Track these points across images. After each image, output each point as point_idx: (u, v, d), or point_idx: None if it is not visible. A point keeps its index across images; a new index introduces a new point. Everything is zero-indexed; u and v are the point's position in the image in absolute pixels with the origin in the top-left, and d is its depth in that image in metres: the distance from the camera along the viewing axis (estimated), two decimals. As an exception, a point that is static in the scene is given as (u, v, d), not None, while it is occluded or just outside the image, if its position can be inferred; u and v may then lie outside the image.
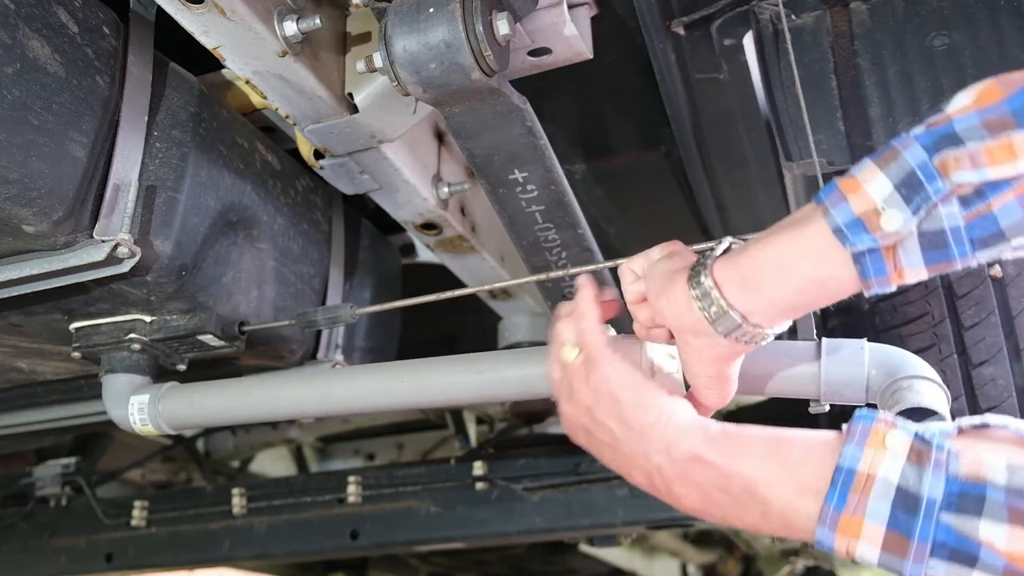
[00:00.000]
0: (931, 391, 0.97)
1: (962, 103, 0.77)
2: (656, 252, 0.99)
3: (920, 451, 0.76)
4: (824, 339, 1.06)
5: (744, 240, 0.91)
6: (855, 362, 1.03)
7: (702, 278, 0.89)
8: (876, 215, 0.78)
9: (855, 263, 0.80)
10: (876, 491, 0.76)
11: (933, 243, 0.78)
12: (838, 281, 0.83)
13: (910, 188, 0.77)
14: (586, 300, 1.01)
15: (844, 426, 0.82)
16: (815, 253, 0.82)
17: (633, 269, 1.02)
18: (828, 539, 0.79)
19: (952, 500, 0.74)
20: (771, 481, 0.83)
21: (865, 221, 0.78)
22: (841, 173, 0.84)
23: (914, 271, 0.80)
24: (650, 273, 0.98)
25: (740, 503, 0.85)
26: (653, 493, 0.92)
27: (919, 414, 0.96)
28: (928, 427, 0.79)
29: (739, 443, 0.87)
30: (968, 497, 0.73)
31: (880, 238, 0.78)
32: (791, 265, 0.84)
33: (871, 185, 0.78)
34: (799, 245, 0.84)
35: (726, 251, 0.91)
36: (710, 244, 0.94)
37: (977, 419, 0.80)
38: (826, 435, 0.83)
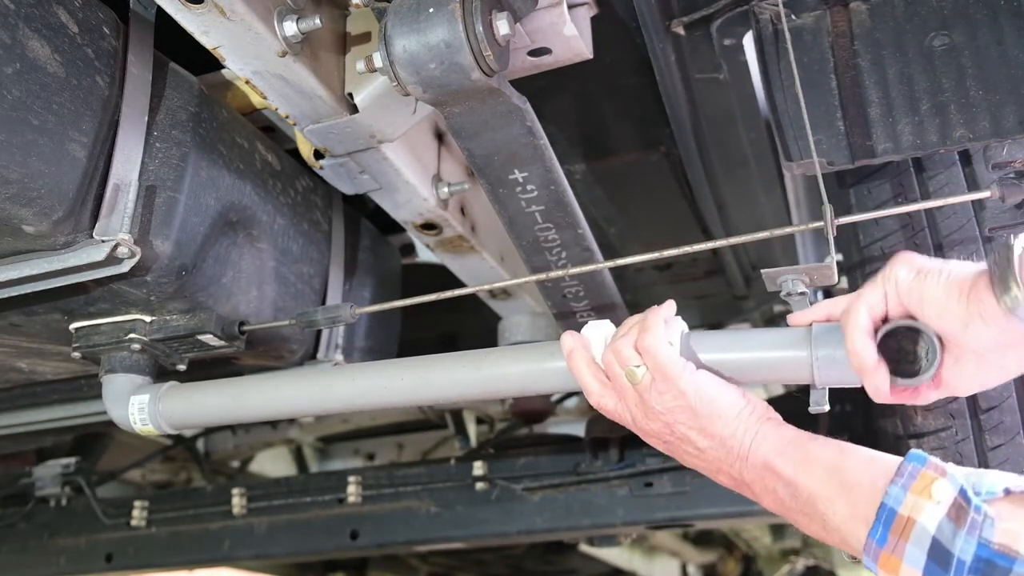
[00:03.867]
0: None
1: None
2: (902, 270, 0.93)
3: (960, 507, 0.79)
4: (814, 324, 1.06)
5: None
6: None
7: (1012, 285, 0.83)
8: None
9: None
10: (914, 536, 0.79)
11: None
12: None
13: None
14: (656, 316, 1.02)
15: (900, 461, 0.85)
16: None
17: (871, 302, 0.95)
18: (872, 567, 0.83)
19: (980, 566, 0.76)
20: (829, 498, 0.87)
21: None
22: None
23: None
24: (929, 295, 0.91)
25: (806, 513, 0.90)
26: (740, 492, 0.99)
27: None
28: (974, 482, 0.81)
29: (806, 455, 0.91)
30: (995, 567, 0.76)
31: None
32: None
33: None
34: None
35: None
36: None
37: None
38: (885, 461, 0.86)
